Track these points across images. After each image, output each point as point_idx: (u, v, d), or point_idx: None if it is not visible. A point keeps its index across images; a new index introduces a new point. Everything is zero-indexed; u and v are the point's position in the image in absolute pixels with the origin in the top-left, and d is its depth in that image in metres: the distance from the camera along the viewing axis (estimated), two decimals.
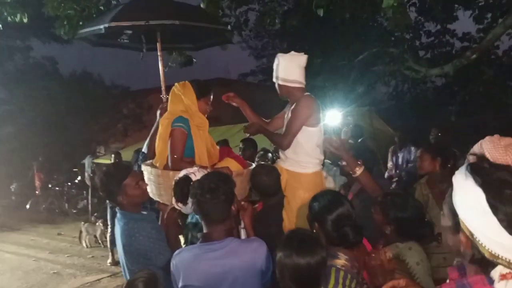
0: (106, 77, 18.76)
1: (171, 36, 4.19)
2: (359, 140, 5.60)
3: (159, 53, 3.81)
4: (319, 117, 2.92)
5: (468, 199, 1.02)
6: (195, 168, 2.37)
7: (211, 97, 3.00)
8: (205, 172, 2.26)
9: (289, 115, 2.95)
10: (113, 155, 7.51)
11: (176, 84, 2.95)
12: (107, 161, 8.24)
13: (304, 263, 1.74)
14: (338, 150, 2.61)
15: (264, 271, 1.95)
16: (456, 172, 1.09)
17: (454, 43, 11.58)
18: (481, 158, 1.07)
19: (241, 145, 5.09)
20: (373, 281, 2.07)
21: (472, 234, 1.02)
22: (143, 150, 3.25)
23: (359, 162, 2.57)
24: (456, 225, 1.07)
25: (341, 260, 1.92)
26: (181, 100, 2.86)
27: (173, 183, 2.33)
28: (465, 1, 9.97)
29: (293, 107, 2.93)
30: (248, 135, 3.43)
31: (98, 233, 7.71)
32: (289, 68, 2.94)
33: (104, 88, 17.19)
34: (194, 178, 2.23)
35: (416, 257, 2.01)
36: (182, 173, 2.34)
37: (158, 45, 3.78)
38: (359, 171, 2.54)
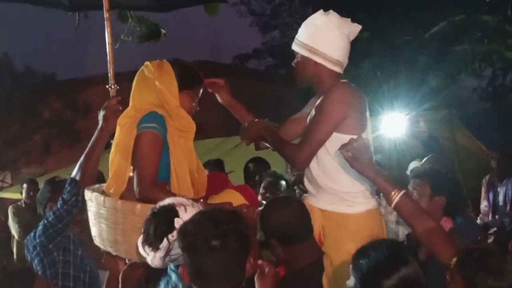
0: (18, 58, 13.77)
1: None
2: (425, 159, 4.24)
3: (105, 16, 2.78)
4: (364, 119, 2.43)
5: None
6: (187, 201, 1.92)
7: (201, 90, 2.45)
8: (199, 209, 1.86)
9: (313, 113, 2.46)
10: (25, 186, 5.88)
11: (147, 63, 2.38)
12: (16, 196, 6.56)
13: None
14: (358, 162, 2.04)
15: None
16: None
17: None
18: None
19: (251, 167, 4.19)
20: None
21: None
22: (73, 175, 2.61)
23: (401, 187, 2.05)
24: None
25: None
26: (154, 87, 2.33)
27: (142, 220, 1.92)
28: None
29: (319, 101, 2.42)
30: (245, 143, 2.77)
31: None
32: (327, 34, 2.38)
33: (13, 75, 12.88)
34: (183, 214, 1.81)
35: None
36: (167, 201, 1.92)
37: (105, 2, 2.75)
38: (396, 196, 2.01)
